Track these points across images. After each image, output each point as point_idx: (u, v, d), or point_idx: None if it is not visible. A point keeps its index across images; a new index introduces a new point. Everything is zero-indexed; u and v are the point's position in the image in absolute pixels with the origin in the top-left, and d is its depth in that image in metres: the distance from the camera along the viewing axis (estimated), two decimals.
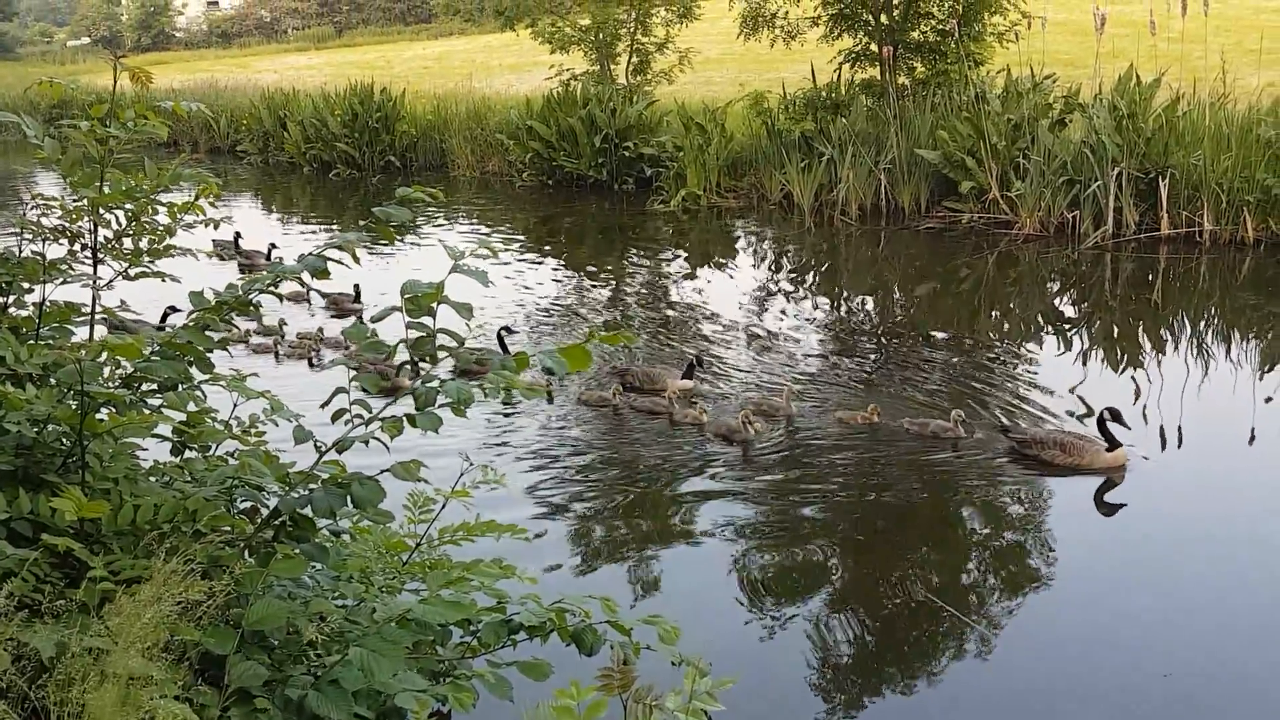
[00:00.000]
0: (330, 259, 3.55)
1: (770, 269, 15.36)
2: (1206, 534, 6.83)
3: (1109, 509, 7.37)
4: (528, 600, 3.97)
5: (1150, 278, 13.55)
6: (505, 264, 15.05)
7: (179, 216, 4.15)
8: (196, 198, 4.19)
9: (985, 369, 10.23)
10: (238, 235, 15.41)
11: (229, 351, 10.50)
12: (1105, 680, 5.26)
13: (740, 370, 10.31)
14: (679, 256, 16.03)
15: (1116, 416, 7.87)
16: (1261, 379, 9.69)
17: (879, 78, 18.50)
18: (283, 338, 11.25)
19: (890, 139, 17.17)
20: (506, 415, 9.12)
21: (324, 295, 12.99)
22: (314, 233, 19.14)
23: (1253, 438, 8.21)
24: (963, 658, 5.49)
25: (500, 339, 10.57)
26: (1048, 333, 11.62)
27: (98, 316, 4.27)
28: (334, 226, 19.62)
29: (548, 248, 17.10)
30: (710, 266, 15.25)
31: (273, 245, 15.15)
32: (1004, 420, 8.61)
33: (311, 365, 10.70)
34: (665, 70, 23.38)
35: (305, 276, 3.50)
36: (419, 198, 3.47)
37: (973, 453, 8.09)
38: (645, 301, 13.47)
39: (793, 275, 14.98)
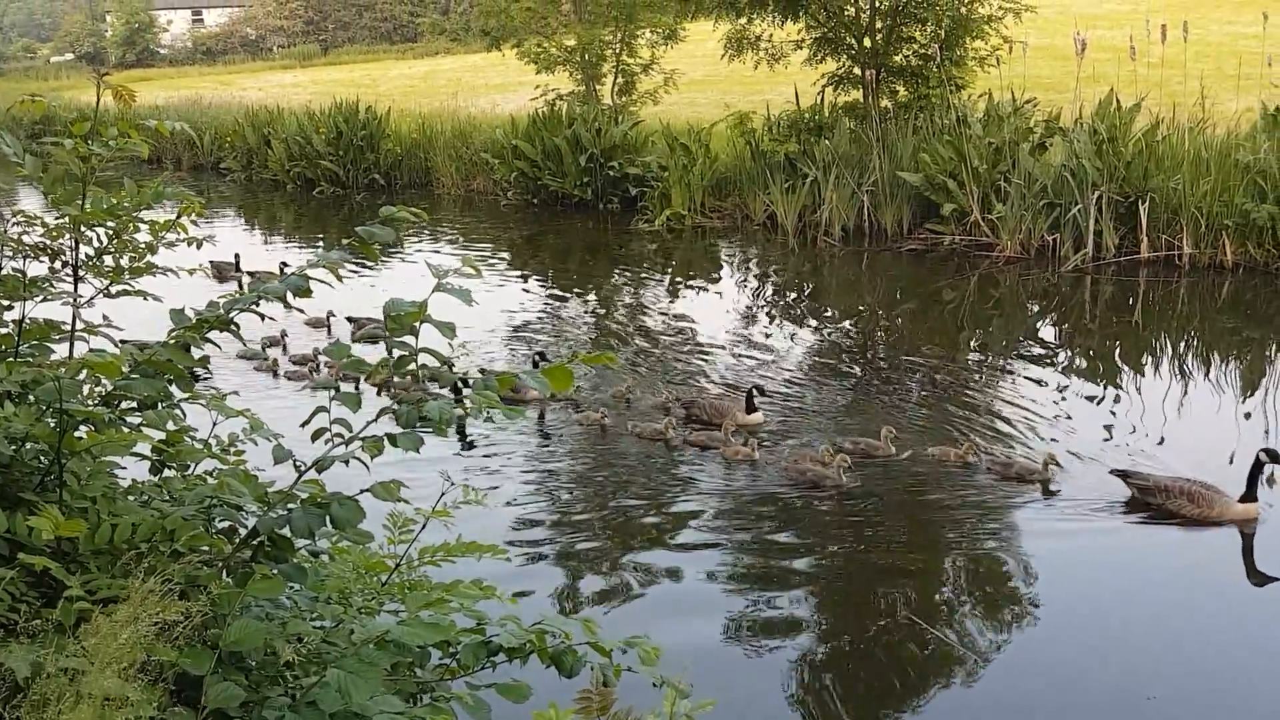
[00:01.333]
0: (313, 278, 3.54)
1: (754, 289, 15.41)
2: (1184, 551, 6.87)
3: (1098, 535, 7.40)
4: (507, 621, 3.95)
5: (1130, 301, 13.66)
6: (492, 288, 15.05)
7: (160, 234, 4.14)
8: (179, 216, 4.18)
9: (967, 390, 10.28)
10: (237, 256, 15.24)
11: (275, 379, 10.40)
12: (1092, 700, 5.28)
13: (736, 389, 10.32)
14: (664, 276, 16.08)
15: (1275, 457, 7.17)
16: (1243, 402, 9.76)
17: (862, 101, 18.64)
18: (318, 368, 11.09)
19: (873, 161, 17.29)
20: (488, 436, 9.10)
21: (351, 320, 12.57)
22: (298, 250, 19.10)
23: (1231, 459, 8.27)
24: (947, 682, 5.49)
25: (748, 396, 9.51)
26: (1027, 355, 11.67)
27: (78, 331, 4.25)
28: (318, 244, 19.59)
29: (532, 267, 17.12)
30: (695, 287, 15.29)
31: (284, 264, 14.82)
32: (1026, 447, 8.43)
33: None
34: (650, 91, 23.49)
35: (290, 296, 3.50)
36: (404, 217, 3.47)
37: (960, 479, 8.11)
38: (630, 321, 13.49)
39: (776, 296, 15.03)
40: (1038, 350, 11.85)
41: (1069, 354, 11.66)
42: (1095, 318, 13.11)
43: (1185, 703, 5.37)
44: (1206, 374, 10.92)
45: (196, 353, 3.87)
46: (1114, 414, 9.47)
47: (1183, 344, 12.02)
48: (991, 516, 7.43)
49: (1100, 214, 14.98)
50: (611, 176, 20.59)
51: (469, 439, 8.98)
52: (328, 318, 12.70)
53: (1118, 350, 11.56)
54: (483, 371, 10.35)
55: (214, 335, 3.84)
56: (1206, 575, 6.75)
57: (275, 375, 10.90)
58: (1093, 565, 6.84)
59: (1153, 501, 7.39)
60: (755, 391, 9.47)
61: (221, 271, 14.91)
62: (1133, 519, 7.36)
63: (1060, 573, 6.67)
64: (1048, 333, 12.70)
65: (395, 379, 3.53)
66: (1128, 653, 5.79)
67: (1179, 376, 10.74)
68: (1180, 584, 6.63)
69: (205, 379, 10.42)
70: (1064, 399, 9.91)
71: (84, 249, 4.25)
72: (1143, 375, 10.79)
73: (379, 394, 7.81)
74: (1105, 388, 10.36)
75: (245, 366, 10.89)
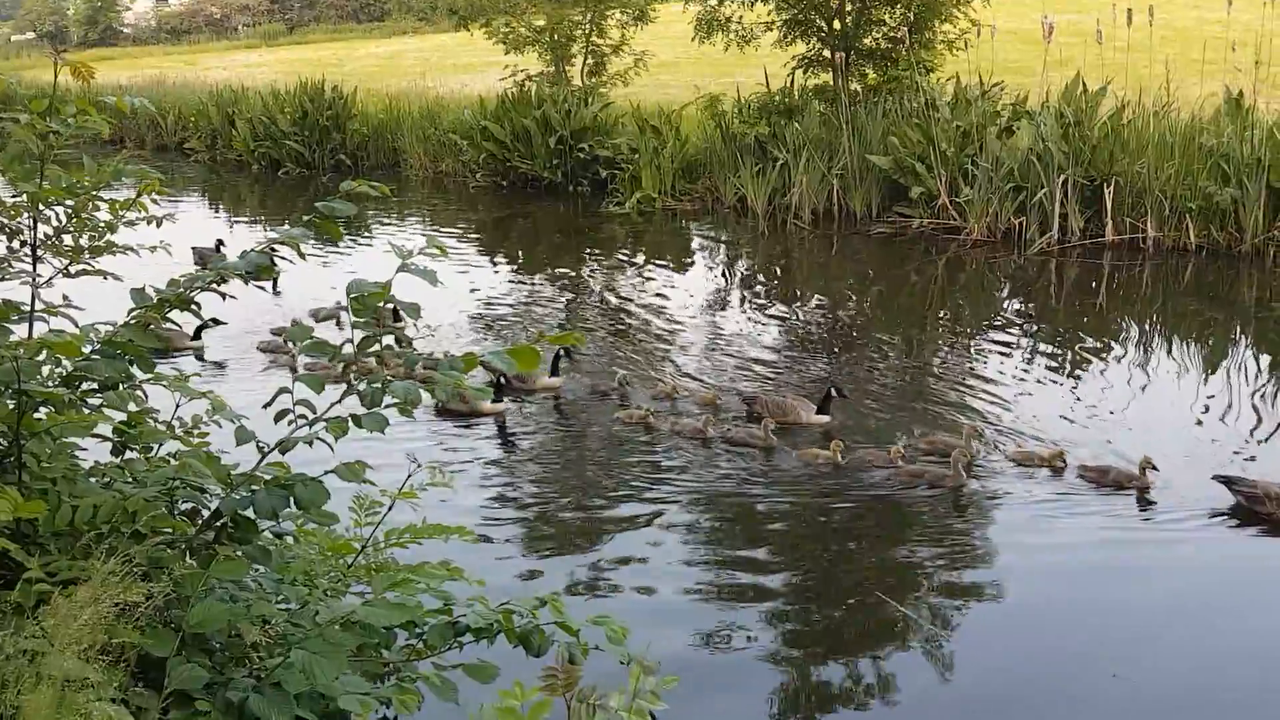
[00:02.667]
0: (275, 255, 3.51)
1: (725, 274, 15.43)
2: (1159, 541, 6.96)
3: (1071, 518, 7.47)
4: (474, 602, 3.95)
5: (1095, 284, 13.79)
6: (463, 270, 14.97)
7: (120, 213, 4.08)
8: (139, 194, 4.13)
9: (933, 373, 10.35)
10: (219, 242, 14.82)
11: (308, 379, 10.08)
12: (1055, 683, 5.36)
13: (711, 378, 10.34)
14: (635, 260, 16.05)
15: None
16: (1205, 383, 9.89)
17: (831, 83, 18.66)
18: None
19: (842, 144, 17.32)
20: (455, 422, 9.08)
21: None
22: (264, 234, 18.91)
23: (1192, 437, 8.38)
24: (912, 656, 5.55)
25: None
26: (994, 339, 11.75)
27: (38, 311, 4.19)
28: (284, 226, 19.38)
29: (502, 249, 17.05)
30: (665, 270, 15.27)
31: (273, 248, 14.50)
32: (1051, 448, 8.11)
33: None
34: (620, 72, 23.39)
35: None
36: (365, 192, 3.45)
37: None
38: (601, 305, 13.47)
39: (747, 280, 15.06)
40: (1003, 334, 11.92)
41: (1033, 337, 11.74)
42: (1060, 300, 13.22)
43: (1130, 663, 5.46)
44: (1169, 355, 11.05)
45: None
46: (1077, 396, 9.58)
47: (1146, 326, 12.15)
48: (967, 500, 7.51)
49: (1066, 197, 15.09)
50: (582, 159, 20.50)
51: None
52: (338, 308, 12.33)
53: (1081, 333, 11.67)
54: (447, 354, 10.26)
55: (232, 329, 3.79)
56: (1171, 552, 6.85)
57: (294, 371, 10.76)
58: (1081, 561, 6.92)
59: (1259, 510, 6.97)
60: (835, 392, 8.88)
61: (204, 258, 14.21)
62: (1109, 501, 7.44)
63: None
64: (1013, 316, 12.80)
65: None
66: (1099, 632, 5.88)
67: (1143, 359, 10.85)
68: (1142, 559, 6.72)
69: (223, 373, 10.28)
70: (1025, 382, 10.00)
71: (43, 228, 4.19)
72: (1106, 358, 10.88)
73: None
74: (1069, 371, 10.45)
75: (264, 360, 10.69)
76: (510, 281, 14.79)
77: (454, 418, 8.97)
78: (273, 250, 3.60)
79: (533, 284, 14.66)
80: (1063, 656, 5.60)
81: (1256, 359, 10.88)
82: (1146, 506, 7.29)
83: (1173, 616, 6.04)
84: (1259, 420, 8.86)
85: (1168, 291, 13.40)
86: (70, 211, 4.17)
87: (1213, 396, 9.44)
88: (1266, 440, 8.46)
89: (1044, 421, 8.79)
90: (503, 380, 9.18)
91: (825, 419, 8.81)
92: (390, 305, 3.15)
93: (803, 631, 5.86)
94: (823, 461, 7.95)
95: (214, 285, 3.66)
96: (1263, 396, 9.51)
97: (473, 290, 13.65)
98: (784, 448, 8.28)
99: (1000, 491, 7.53)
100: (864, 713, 5.15)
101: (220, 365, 10.56)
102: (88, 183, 4.05)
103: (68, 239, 4.20)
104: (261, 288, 13.37)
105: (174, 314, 3.95)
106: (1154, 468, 7.47)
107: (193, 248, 13.95)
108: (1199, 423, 8.83)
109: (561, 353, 10.00)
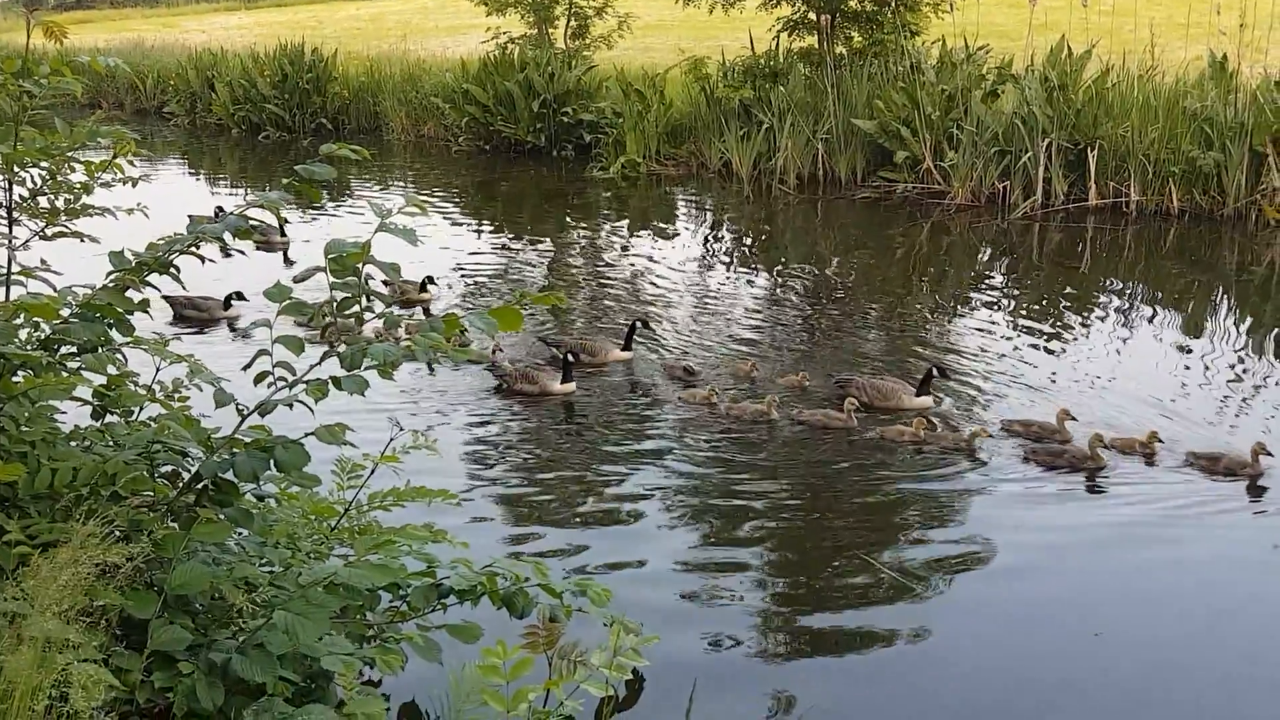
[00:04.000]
0: (252, 219, 3.48)
1: (710, 238, 15.38)
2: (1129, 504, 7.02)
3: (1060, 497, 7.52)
4: (458, 565, 3.96)
5: (1079, 247, 13.81)
6: (453, 235, 14.89)
7: (96, 175, 4.04)
8: (115, 156, 4.08)
9: (920, 336, 10.38)
10: (219, 210, 14.39)
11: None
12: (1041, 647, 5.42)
13: (686, 337, 10.33)
14: (619, 225, 15.99)
15: None
16: (1186, 347, 9.95)
17: (817, 46, 18.55)
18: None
19: (828, 108, 17.25)
20: (436, 386, 9.06)
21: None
22: (244, 197, 18.75)
23: (1174, 399, 8.44)
24: (901, 619, 5.60)
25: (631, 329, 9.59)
26: (978, 303, 11.78)
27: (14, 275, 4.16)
28: (264, 190, 19.22)
29: (485, 214, 16.95)
30: (651, 236, 15.22)
31: (285, 221, 13.94)
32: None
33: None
34: (604, 35, 23.20)
35: (226, 237, 3.44)
36: (344, 154, 3.42)
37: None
38: (586, 270, 13.43)
39: (733, 245, 15.03)
40: (986, 298, 11.95)
41: (1016, 300, 11.77)
42: (1044, 265, 13.24)
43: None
44: (1149, 317, 11.09)
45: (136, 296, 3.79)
46: (1057, 357, 9.63)
47: (1129, 290, 12.19)
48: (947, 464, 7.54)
49: (1050, 161, 15.09)
50: (565, 123, 20.37)
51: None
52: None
53: (1063, 298, 11.70)
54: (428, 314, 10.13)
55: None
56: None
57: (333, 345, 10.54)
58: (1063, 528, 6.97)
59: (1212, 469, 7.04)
60: (936, 372, 8.43)
61: (266, 236, 13.42)
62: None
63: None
64: (997, 280, 12.82)
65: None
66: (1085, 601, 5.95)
67: (1125, 321, 10.89)
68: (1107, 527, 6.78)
69: (208, 338, 10.18)
70: (1016, 347, 10.04)
71: (18, 190, 4.15)
72: (1089, 320, 10.92)
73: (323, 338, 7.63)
74: (1050, 336, 10.48)
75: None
76: (494, 246, 14.72)
77: (516, 397, 8.68)
78: (250, 215, 3.56)
79: (517, 250, 14.60)
80: (1049, 624, 5.66)
81: (1237, 324, 10.94)
82: (1191, 484, 7.09)
83: (1160, 581, 6.10)
84: (1238, 382, 8.94)
85: (1150, 255, 13.44)
86: (46, 174, 4.13)
87: (1189, 364, 9.50)
88: (1246, 402, 8.54)
89: (1028, 384, 8.84)
90: (570, 357, 9.02)
91: (927, 401, 8.29)
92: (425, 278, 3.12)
93: (790, 595, 5.89)
94: (909, 439, 7.70)
95: (192, 249, 3.63)
96: (1241, 360, 9.58)
97: (455, 258, 13.56)
98: (869, 428, 7.89)
99: (997, 464, 7.57)
100: (850, 671, 5.20)
101: (201, 332, 10.51)
102: (64, 144, 4.00)
103: (44, 201, 4.16)
104: (283, 252, 13.28)
105: (153, 278, 3.92)
106: (1268, 452, 7.12)
107: (189, 216, 13.74)
108: (1183, 384, 8.89)
109: (638, 324, 9.72)
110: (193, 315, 10.73)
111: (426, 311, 10.77)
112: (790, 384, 8.83)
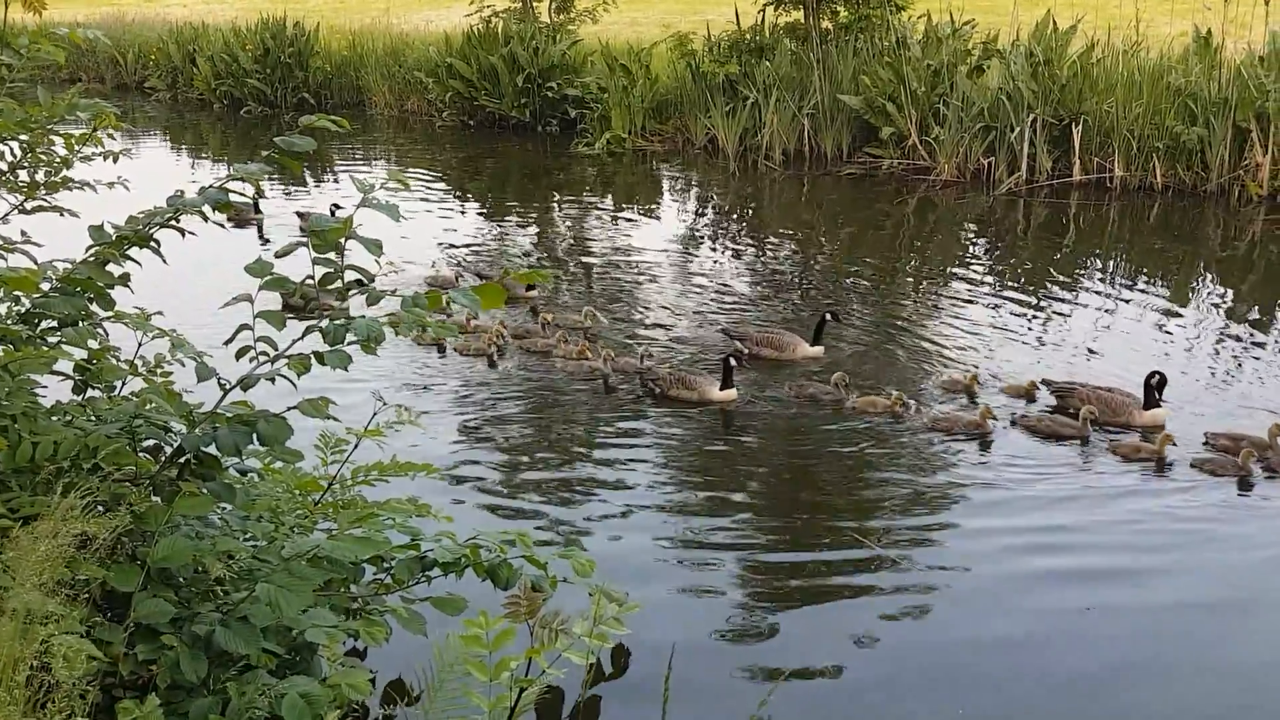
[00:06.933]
0: (232, 191, 3.47)
1: (696, 215, 15.36)
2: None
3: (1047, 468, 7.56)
4: (442, 537, 3.98)
5: (1063, 222, 13.85)
6: (437, 213, 14.82)
7: (76, 148, 4.02)
8: (94, 129, 4.06)
9: (903, 316, 10.41)
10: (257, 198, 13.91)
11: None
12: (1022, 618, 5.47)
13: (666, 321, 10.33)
14: (605, 201, 15.94)
15: None
16: (1168, 322, 10.01)
17: (803, 22, 18.47)
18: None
19: (813, 84, 17.20)
20: (420, 360, 9.05)
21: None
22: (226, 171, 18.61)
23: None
24: (880, 586, 5.65)
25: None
26: (962, 279, 11.81)
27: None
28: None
29: (470, 190, 16.87)
30: (637, 212, 15.18)
31: (335, 206, 12.41)
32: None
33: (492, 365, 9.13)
34: (589, 9, 23.02)
35: (206, 209, 3.42)
36: (324, 125, 3.40)
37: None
38: (573, 246, 13.41)
39: (718, 220, 15.01)
40: (971, 273, 11.97)
41: (1001, 276, 11.80)
42: (1028, 240, 13.27)
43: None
44: (1133, 292, 11.14)
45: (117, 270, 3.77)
46: (1043, 329, 9.68)
47: (1112, 265, 12.24)
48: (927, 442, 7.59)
49: (1035, 137, 15.11)
50: (550, 98, 20.26)
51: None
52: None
53: (1048, 272, 11.73)
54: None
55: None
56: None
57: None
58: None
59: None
60: (1157, 378, 7.68)
61: (239, 213, 13.34)
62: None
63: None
64: (981, 254, 12.85)
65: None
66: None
67: (1109, 296, 10.94)
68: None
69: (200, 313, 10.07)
70: (995, 320, 10.08)
71: None
72: (1073, 294, 10.96)
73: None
74: (1034, 311, 10.52)
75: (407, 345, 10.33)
76: (479, 222, 14.67)
77: (672, 403, 8.08)
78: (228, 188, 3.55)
79: (502, 224, 14.55)
80: (1042, 597, 5.73)
81: (1220, 298, 11.01)
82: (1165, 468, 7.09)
83: (1155, 557, 6.16)
84: (1220, 354, 9.01)
85: (1134, 230, 13.49)
86: (25, 146, 4.10)
87: (1171, 338, 9.57)
88: (1230, 374, 8.61)
89: (1010, 356, 8.89)
90: (734, 360, 8.04)
91: (1163, 414, 7.62)
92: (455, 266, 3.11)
93: (774, 564, 5.93)
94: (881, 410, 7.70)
95: (172, 222, 3.61)
96: (1225, 330, 9.65)
97: (439, 235, 13.51)
98: (1100, 438, 7.45)
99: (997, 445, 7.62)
100: (830, 639, 5.25)
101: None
102: (44, 115, 3.97)
103: (23, 174, 4.13)
104: (258, 227, 13.10)
105: (133, 251, 3.90)
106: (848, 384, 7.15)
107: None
108: (1166, 355, 8.97)
109: (828, 317, 9.02)
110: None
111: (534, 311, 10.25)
112: (838, 381, 8.05)
